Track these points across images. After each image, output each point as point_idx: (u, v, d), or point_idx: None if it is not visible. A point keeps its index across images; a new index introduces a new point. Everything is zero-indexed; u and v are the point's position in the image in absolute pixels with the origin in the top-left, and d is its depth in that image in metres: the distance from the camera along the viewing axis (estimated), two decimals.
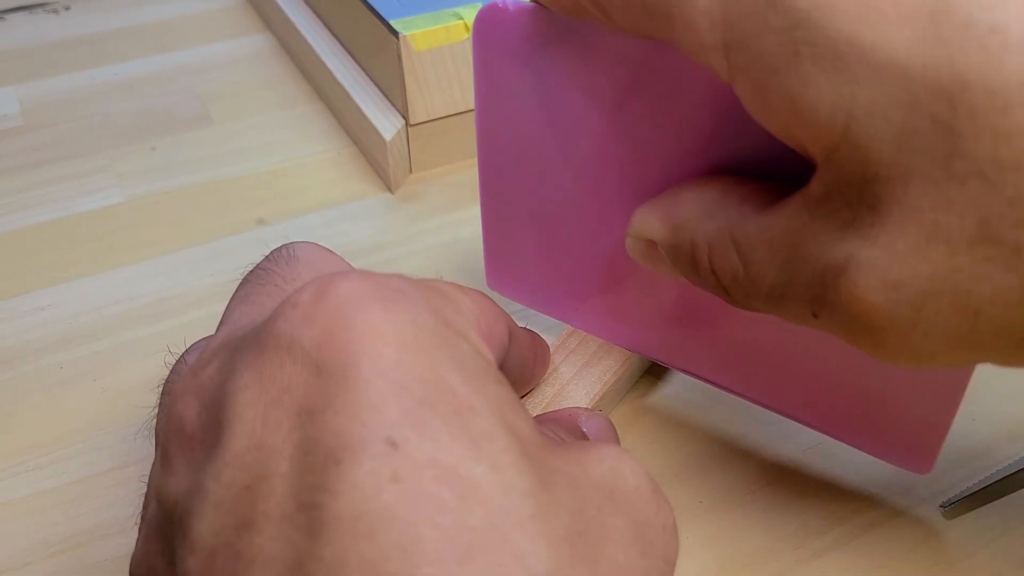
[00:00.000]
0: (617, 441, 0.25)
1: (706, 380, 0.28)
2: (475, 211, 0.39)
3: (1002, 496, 0.25)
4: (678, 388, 0.30)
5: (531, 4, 0.24)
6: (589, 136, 0.25)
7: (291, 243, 0.22)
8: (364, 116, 0.41)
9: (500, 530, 0.14)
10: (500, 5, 0.25)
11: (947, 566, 0.25)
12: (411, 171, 0.41)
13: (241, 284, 0.21)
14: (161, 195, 0.41)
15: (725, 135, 0.22)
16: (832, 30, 0.16)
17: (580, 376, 0.28)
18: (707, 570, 0.25)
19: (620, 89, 0.24)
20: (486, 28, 0.25)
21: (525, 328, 0.25)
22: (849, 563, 0.25)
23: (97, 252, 0.37)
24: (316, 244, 0.22)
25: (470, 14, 0.38)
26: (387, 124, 0.40)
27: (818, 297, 0.18)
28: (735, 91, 0.19)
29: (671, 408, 0.30)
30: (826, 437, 0.26)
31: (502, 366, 0.22)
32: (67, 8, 0.57)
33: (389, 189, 0.41)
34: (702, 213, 0.21)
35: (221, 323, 0.20)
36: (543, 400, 0.27)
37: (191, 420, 0.17)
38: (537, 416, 0.25)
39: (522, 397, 0.27)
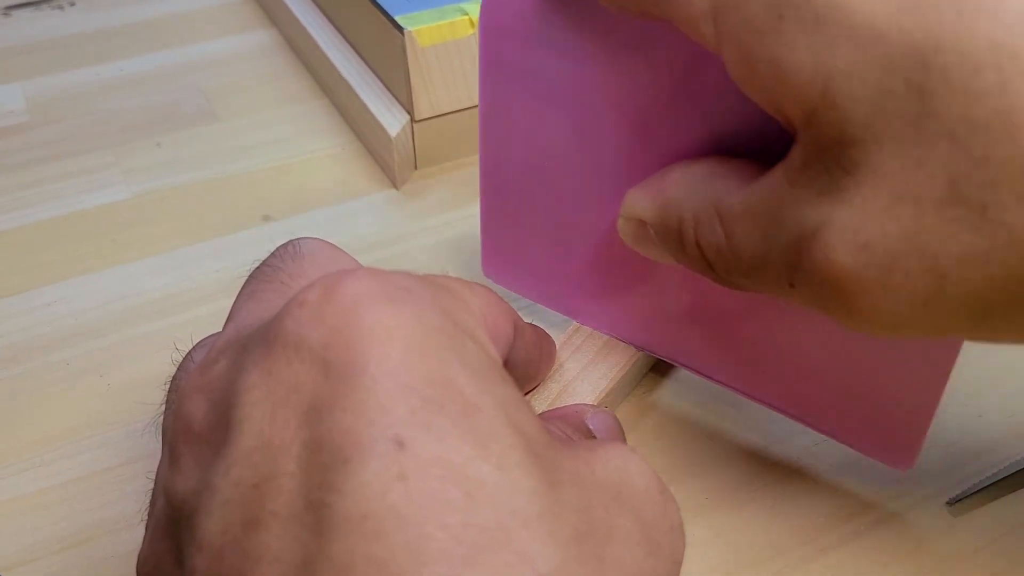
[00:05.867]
0: (623, 438, 0.25)
1: (691, 369, 0.28)
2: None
3: (1009, 493, 0.25)
4: (684, 385, 0.30)
5: None
6: (589, 121, 0.25)
7: (297, 239, 0.22)
8: (369, 112, 0.41)
9: (507, 530, 0.14)
10: None
11: (953, 563, 0.25)
12: (416, 167, 0.41)
13: (247, 281, 0.21)
14: (167, 191, 0.41)
15: (717, 114, 0.23)
16: None
17: (586, 372, 0.28)
18: (713, 567, 0.25)
19: (622, 73, 0.24)
20: (493, 9, 0.25)
21: (530, 324, 0.25)
22: (856, 560, 0.25)
23: (103, 248, 0.37)
24: (321, 240, 0.22)
25: (475, 9, 0.38)
26: (392, 120, 0.40)
27: (794, 264, 0.19)
28: (723, 60, 0.19)
29: (677, 405, 0.30)
30: None
31: (507, 361, 0.22)
32: (72, 4, 0.57)
33: (394, 185, 0.41)
34: (689, 189, 0.22)
35: (228, 320, 0.20)
36: (549, 396, 0.27)
37: (199, 419, 0.17)
38: (543, 413, 0.25)
39: (527, 393, 0.27)
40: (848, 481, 0.27)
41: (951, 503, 0.26)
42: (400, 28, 0.37)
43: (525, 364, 0.25)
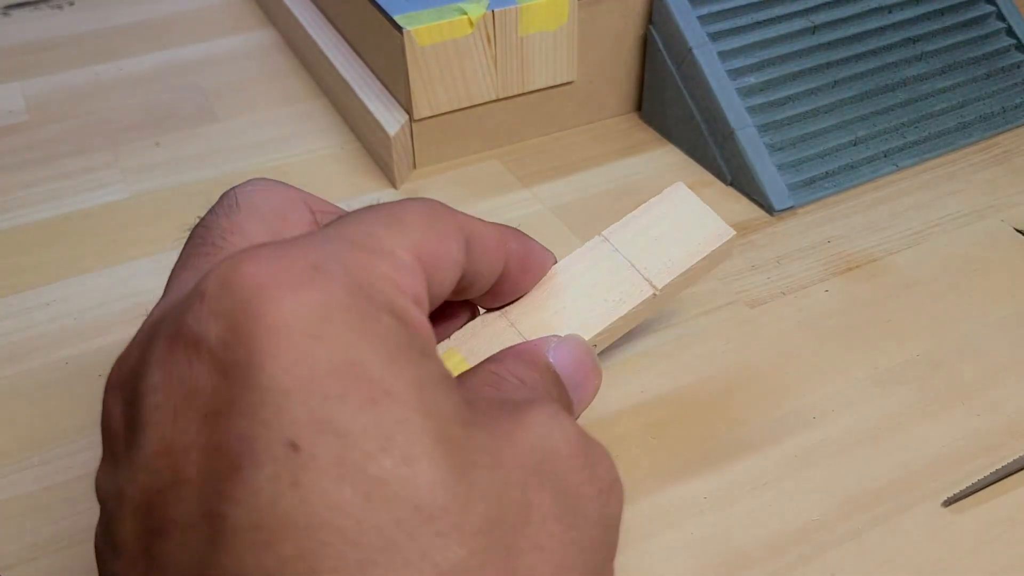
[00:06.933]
0: (593, 366, 0.22)
1: None
2: (479, 206, 0.39)
3: (1008, 492, 0.25)
4: (681, 384, 0.30)
5: None
6: None
7: (236, 186, 0.20)
8: (368, 111, 0.41)
9: (406, 528, 0.14)
10: None
11: (952, 563, 0.25)
12: (415, 166, 0.41)
13: (185, 243, 0.20)
14: (165, 191, 0.41)
15: None
16: None
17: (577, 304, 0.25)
18: (711, 566, 0.25)
19: None
20: None
21: (497, 225, 0.22)
22: (854, 559, 0.25)
23: (102, 248, 0.38)
24: (266, 181, 0.20)
25: (474, 9, 0.38)
26: (391, 119, 0.40)
27: None
28: None
29: (674, 404, 0.30)
30: (830, 432, 0.26)
31: (464, 278, 0.20)
32: (71, 4, 0.57)
33: (393, 184, 0.41)
34: None
35: (163, 293, 0.19)
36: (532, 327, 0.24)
37: (116, 417, 0.16)
38: (502, 352, 0.22)
39: (515, 302, 0.25)
40: (847, 480, 0.27)
41: (949, 502, 0.26)
42: (399, 27, 0.37)
43: (490, 274, 0.22)
